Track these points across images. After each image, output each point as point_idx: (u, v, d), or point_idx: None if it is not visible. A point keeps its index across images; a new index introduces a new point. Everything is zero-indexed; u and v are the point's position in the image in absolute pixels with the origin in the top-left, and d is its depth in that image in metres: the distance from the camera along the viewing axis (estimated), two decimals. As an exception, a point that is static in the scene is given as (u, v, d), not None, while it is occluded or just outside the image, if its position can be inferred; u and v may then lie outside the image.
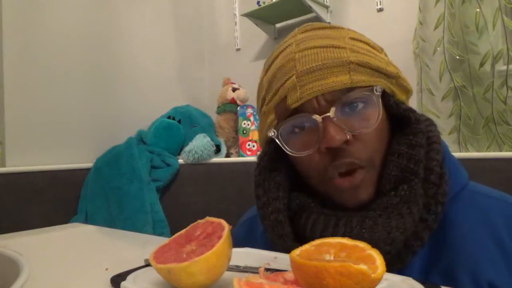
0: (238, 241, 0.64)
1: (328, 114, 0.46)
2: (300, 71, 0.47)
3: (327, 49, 0.48)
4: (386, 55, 0.53)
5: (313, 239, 0.47)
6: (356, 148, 0.47)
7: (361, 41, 0.51)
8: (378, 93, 0.47)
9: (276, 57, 0.53)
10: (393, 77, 0.49)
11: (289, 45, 0.52)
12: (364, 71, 0.47)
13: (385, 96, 0.49)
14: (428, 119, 0.52)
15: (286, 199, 0.53)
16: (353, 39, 0.50)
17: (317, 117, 0.46)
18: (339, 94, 0.47)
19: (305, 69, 0.47)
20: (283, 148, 0.50)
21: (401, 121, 0.50)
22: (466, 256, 0.45)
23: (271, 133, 0.50)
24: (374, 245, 0.43)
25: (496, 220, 0.47)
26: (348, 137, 0.46)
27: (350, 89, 0.47)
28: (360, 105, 0.47)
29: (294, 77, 0.48)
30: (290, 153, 0.50)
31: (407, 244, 0.46)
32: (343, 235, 0.45)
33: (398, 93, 0.51)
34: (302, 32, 0.53)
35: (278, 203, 0.52)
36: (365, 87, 0.47)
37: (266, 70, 0.55)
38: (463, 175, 0.53)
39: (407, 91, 0.53)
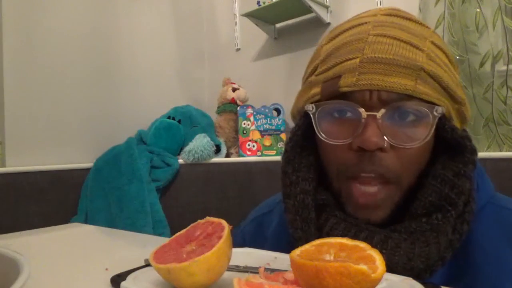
0: (249, 238, 0.63)
1: (375, 113, 0.42)
2: (366, 56, 0.43)
3: (404, 44, 0.43)
4: (459, 73, 0.49)
5: None
6: (389, 159, 0.43)
7: (441, 49, 0.46)
8: (437, 115, 0.42)
9: (346, 30, 0.48)
10: (458, 102, 0.45)
11: (365, 22, 0.47)
12: (431, 84, 0.43)
13: (441, 118, 0.44)
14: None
15: (315, 182, 0.49)
16: (434, 44, 0.45)
17: (363, 112, 0.42)
18: (395, 97, 0.43)
19: (372, 57, 0.43)
20: (315, 128, 0.46)
21: (451, 147, 0.45)
22: (488, 275, 0.43)
23: (310, 108, 0.46)
24: (391, 268, 0.41)
25: None
26: (385, 144, 0.42)
27: (409, 97, 0.42)
28: (412, 118, 0.43)
29: (358, 60, 0.43)
30: (320, 137, 0.46)
31: (427, 266, 0.43)
32: None
33: (455, 119, 0.47)
34: (385, 15, 0.48)
35: (308, 185, 0.48)
36: (426, 101, 0.43)
37: (330, 39, 0.50)
38: (489, 187, 0.49)
39: (464, 121, 0.49)
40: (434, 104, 0.43)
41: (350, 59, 0.44)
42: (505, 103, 1.09)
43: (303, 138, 0.50)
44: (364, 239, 0.43)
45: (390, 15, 0.48)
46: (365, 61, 0.43)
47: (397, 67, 0.42)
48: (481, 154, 1.09)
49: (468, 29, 1.13)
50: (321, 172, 0.51)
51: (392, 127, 0.43)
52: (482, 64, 1.11)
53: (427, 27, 0.48)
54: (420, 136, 0.43)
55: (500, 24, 1.09)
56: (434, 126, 0.43)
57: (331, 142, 0.45)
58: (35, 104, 1.44)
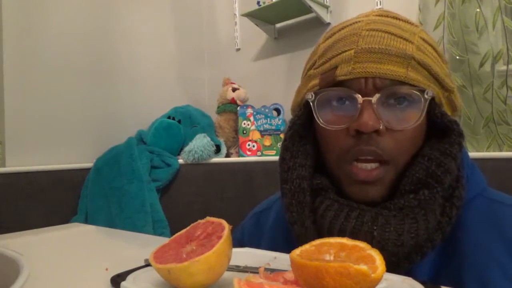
0: (247, 233, 0.66)
1: (370, 98, 0.45)
2: (360, 47, 0.46)
3: (395, 37, 0.47)
4: (448, 68, 0.52)
5: (323, 224, 0.47)
6: (385, 141, 0.46)
7: (430, 44, 0.49)
8: (427, 97, 0.45)
9: (342, 28, 0.51)
10: (448, 90, 0.49)
11: (359, 21, 0.50)
12: (421, 72, 0.46)
13: (432, 104, 0.47)
14: None
15: (311, 169, 0.52)
16: (423, 39, 0.49)
17: (359, 97, 0.45)
18: (389, 83, 0.46)
19: (366, 48, 0.46)
20: (314, 115, 0.49)
21: (439, 132, 0.48)
22: (476, 263, 0.44)
23: (309, 96, 0.49)
24: (382, 245, 0.43)
25: (509, 228, 0.46)
26: (381, 127, 0.45)
27: (401, 83, 0.45)
28: (405, 103, 0.46)
29: (352, 51, 0.47)
30: (320, 123, 0.49)
31: (417, 244, 0.45)
32: (353, 228, 0.45)
33: (445, 106, 0.50)
34: (377, 15, 0.52)
35: (304, 171, 0.51)
36: (417, 86, 0.46)
37: (326, 38, 0.53)
38: (480, 180, 0.52)
39: (455, 109, 0.52)
40: (424, 90, 0.46)
41: (346, 51, 0.47)
42: (505, 103, 1.09)
43: (302, 128, 0.53)
44: (356, 218, 0.46)
45: (381, 15, 0.52)
46: (360, 51, 0.46)
47: (389, 56, 0.45)
48: (481, 154, 1.09)
49: (468, 29, 1.13)
50: (318, 159, 0.53)
51: (386, 111, 0.46)
52: (482, 64, 1.11)
53: (416, 25, 0.51)
54: (413, 118, 0.46)
55: (500, 24, 1.09)
56: (425, 109, 0.46)
57: (330, 128, 0.48)
58: (35, 104, 1.44)
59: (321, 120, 0.49)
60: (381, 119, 0.45)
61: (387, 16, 0.51)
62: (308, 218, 0.50)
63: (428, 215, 0.45)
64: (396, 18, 0.51)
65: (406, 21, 0.51)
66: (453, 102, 0.51)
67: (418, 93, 0.46)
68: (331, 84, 0.48)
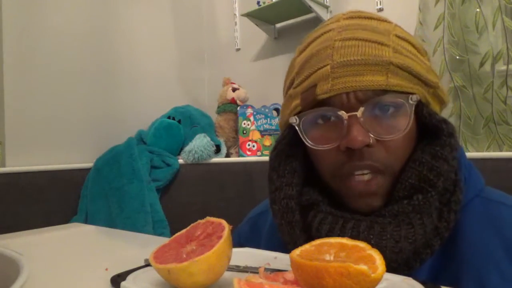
0: (244, 237, 0.65)
1: (355, 113, 0.44)
2: (336, 62, 0.45)
3: (369, 43, 0.45)
4: (428, 59, 0.51)
5: (319, 238, 0.47)
6: (377, 152, 0.45)
7: (406, 40, 0.48)
8: (412, 103, 0.44)
9: (314, 39, 0.50)
10: (432, 86, 0.47)
11: (330, 30, 0.49)
12: (402, 75, 0.45)
13: (418, 105, 0.46)
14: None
15: (299, 186, 0.51)
16: (398, 37, 0.48)
17: (344, 114, 0.44)
18: (371, 94, 0.44)
19: (342, 61, 0.45)
20: (302, 138, 0.48)
21: (430, 131, 0.47)
22: (474, 265, 0.44)
23: (293, 121, 0.48)
24: (381, 253, 0.43)
25: (507, 228, 0.45)
26: (371, 141, 0.44)
27: (384, 91, 0.44)
28: (391, 110, 0.45)
29: (328, 66, 0.45)
30: (309, 145, 0.48)
31: (416, 251, 0.45)
32: None
33: (432, 103, 0.49)
34: (347, 18, 0.50)
35: (291, 190, 0.50)
36: (401, 92, 0.45)
37: (300, 51, 0.52)
38: (478, 181, 0.51)
39: (442, 102, 0.51)
40: (408, 93, 0.45)
41: (322, 67, 0.46)
42: (505, 103, 1.09)
43: (288, 147, 0.52)
44: (352, 228, 0.45)
45: (352, 17, 0.50)
46: (336, 66, 0.45)
47: (366, 66, 0.44)
48: (481, 154, 1.09)
49: (468, 29, 1.13)
50: (308, 174, 0.53)
51: (374, 122, 0.45)
52: (482, 64, 1.11)
53: (389, 22, 0.50)
54: (402, 125, 0.45)
55: (500, 24, 1.09)
56: (413, 114, 0.45)
57: (320, 148, 0.47)
58: (35, 104, 1.44)
59: (309, 142, 0.48)
60: (369, 132, 0.44)
61: (358, 17, 0.50)
62: (300, 238, 0.49)
63: (424, 219, 0.44)
64: (367, 18, 0.50)
65: (378, 19, 0.50)
66: (439, 96, 0.49)
67: (402, 100, 0.45)
68: (313, 103, 0.47)
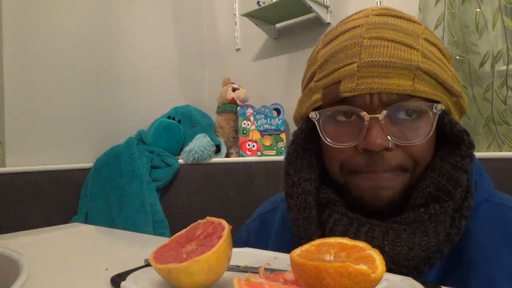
0: (253, 233, 0.64)
1: (377, 115, 0.43)
2: (364, 61, 0.44)
3: (398, 45, 0.44)
4: (453, 65, 0.50)
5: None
6: (397, 156, 0.45)
7: (435, 45, 0.47)
8: (436, 112, 0.44)
9: (342, 33, 0.49)
10: (455, 95, 0.47)
11: (359, 25, 0.47)
12: (429, 82, 0.44)
13: (441, 113, 0.45)
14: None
15: (317, 182, 0.51)
16: (427, 41, 0.47)
17: (365, 115, 0.44)
18: (395, 98, 0.44)
19: (369, 61, 0.44)
20: (320, 134, 0.48)
21: (450, 139, 0.47)
22: (482, 270, 0.44)
23: (313, 116, 0.48)
24: (394, 259, 0.43)
25: None
26: (390, 145, 0.44)
27: (408, 96, 0.44)
28: (413, 116, 0.45)
29: (355, 65, 0.44)
30: (326, 142, 0.47)
31: (427, 256, 0.44)
32: None
33: (454, 112, 0.48)
34: (376, 15, 0.48)
35: (309, 185, 0.50)
36: (425, 98, 0.44)
37: (325, 43, 0.51)
38: (487, 185, 0.50)
39: (463, 112, 0.50)
40: (433, 100, 0.44)
41: (348, 64, 0.45)
42: (505, 103, 1.09)
43: (305, 141, 0.51)
44: (366, 233, 0.45)
45: (381, 15, 0.49)
46: (363, 65, 0.44)
47: (394, 69, 0.43)
48: (481, 154, 1.09)
49: (468, 29, 1.13)
50: (324, 171, 0.52)
51: (394, 127, 0.45)
52: (482, 64, 1.11)
53: (418, 23, 0.49)
54: (422, 133, 0.44)
55: (500, 24, 1.09)
56: (435, 123, 0.44)
57: (337, 146, 0.47)
58: (35, 104, 1.44)
59: (327, 139, 0.47)
60: (389, 136, 0.44)
61: (388, 15, 0.49)
62: (316, 233, 0.49)
63: (438, 228, 0.44)
64: (397, 17, 0.49)
65: (409, 20, 0.49)
66: (461, 106, 0.49)
67: (427, 108, 0.44)
68: (335, 100, 0.46)
